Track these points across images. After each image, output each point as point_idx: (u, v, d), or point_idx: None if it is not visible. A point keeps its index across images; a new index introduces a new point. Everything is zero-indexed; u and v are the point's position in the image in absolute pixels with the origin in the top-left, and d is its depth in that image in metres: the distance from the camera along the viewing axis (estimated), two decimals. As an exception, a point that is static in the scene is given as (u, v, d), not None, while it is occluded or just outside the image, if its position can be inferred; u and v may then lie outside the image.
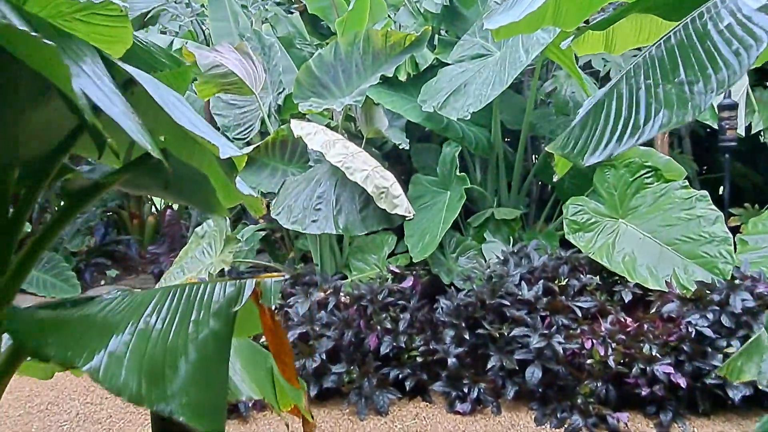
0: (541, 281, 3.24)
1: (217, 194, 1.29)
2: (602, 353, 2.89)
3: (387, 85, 4.05)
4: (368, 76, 3.61)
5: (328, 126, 4.26)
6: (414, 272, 3.74)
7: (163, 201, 7.97)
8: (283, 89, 4.29)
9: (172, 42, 4.64)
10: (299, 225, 3.02)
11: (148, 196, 7.14)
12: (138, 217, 6.89)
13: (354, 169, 2.77)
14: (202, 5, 5.38)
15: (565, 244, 3.96)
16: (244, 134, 4.23)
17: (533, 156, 5.21)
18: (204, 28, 5.48)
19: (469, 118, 3.45)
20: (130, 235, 6.87)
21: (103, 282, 6.35)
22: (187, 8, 5.58)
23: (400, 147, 3.80)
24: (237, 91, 3.67)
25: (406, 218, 2.88)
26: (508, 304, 3.11)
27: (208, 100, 4.26)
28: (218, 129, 4.34)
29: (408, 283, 3.51)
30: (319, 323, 3.25)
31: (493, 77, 3.46)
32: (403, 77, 4.23)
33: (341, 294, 3.45)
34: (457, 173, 3.73)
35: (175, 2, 5.72)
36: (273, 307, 1.03)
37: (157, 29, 5.18)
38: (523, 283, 3.22)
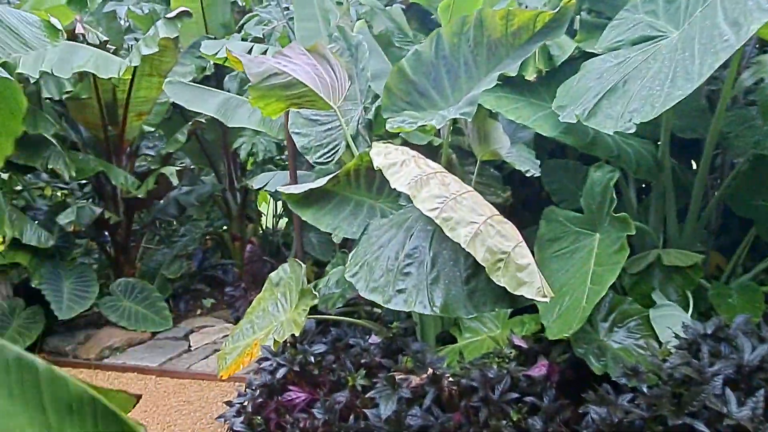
0: (762, 390, 2.04)
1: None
2: None
3: (509, 87, 2.99)
4: (482, 77, 2.60)
5: (430, 145, 3.31)
6: (548, 348, 2.68)
7: (268, 219, 7.46)
8: (375, 99, 3.40)
9: (251, 49, 3.97)
10: (380, 295, 2.10)
11: (250, 216, 6.66)
12: (240, 239, 6.41)
13: (456, 222, 1.79)
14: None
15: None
16: (328, 156, 3.40)
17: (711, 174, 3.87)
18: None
19: (633, 130, 2.31)
20: (233, 258, 6.46)
21: (198, 312, 5.96)
22: (281, 12, 4.95)
23: (529, 175, 2.74)
24: (310, 105, 2.84)
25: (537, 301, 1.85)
26: (706, 430, 1.95)
27: (287, 116, 3.49)
28: (297, 150, 3.55)
29: (540, 370, 2.46)
30: (409, 430, 2.31)
31: (671, 69, 2.30)
32: (531, 76, 3.15)
33: (445, 381, 2.48)
34: (613, 211, 2.59)
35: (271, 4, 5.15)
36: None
37: (240, 36, 4.55)
38: (728, 391, 2.04)
